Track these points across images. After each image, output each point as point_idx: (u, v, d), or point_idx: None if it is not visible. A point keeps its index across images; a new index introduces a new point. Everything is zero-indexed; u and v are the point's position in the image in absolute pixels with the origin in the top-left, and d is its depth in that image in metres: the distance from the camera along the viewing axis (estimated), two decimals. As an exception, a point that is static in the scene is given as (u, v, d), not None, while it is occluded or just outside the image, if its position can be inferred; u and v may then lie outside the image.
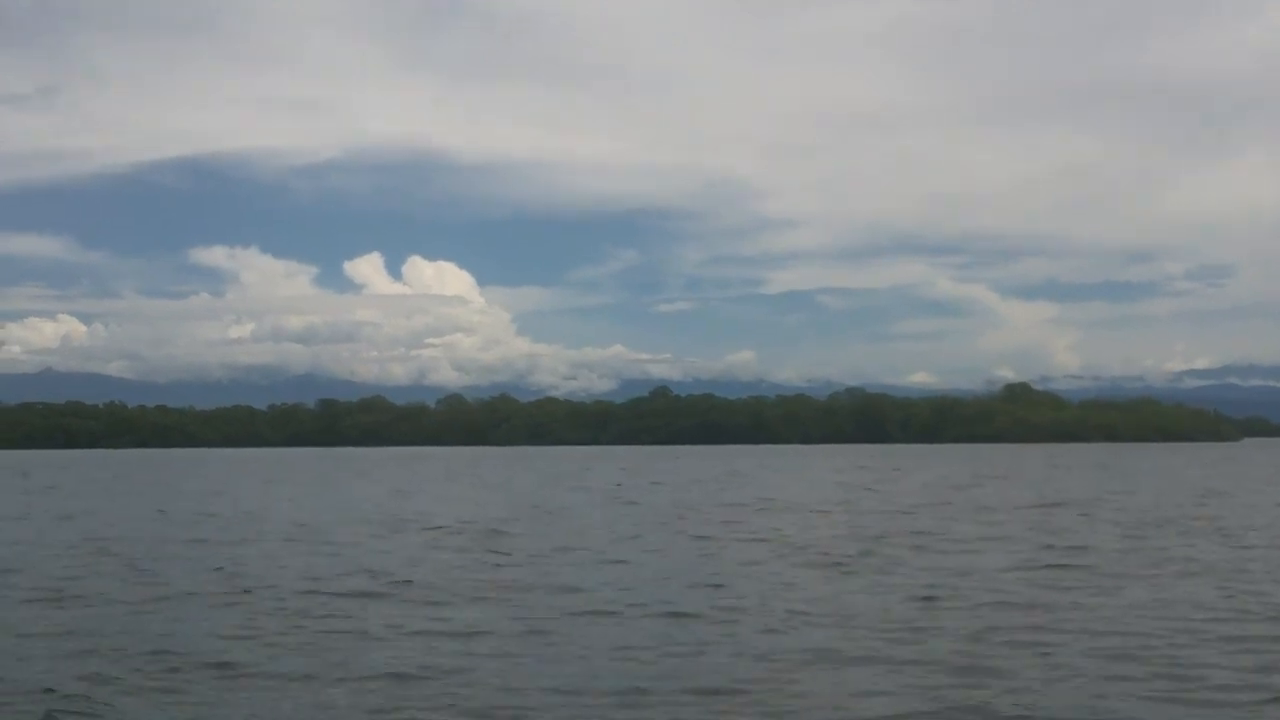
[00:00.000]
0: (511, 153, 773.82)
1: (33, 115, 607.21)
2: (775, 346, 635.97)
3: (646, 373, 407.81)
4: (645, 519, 38.26)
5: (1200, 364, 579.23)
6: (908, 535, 31.25)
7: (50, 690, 13.40)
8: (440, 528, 35.34)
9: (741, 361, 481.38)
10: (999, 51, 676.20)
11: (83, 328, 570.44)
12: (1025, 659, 14.86)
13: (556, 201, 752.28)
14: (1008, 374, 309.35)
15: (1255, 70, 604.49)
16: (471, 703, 13.01)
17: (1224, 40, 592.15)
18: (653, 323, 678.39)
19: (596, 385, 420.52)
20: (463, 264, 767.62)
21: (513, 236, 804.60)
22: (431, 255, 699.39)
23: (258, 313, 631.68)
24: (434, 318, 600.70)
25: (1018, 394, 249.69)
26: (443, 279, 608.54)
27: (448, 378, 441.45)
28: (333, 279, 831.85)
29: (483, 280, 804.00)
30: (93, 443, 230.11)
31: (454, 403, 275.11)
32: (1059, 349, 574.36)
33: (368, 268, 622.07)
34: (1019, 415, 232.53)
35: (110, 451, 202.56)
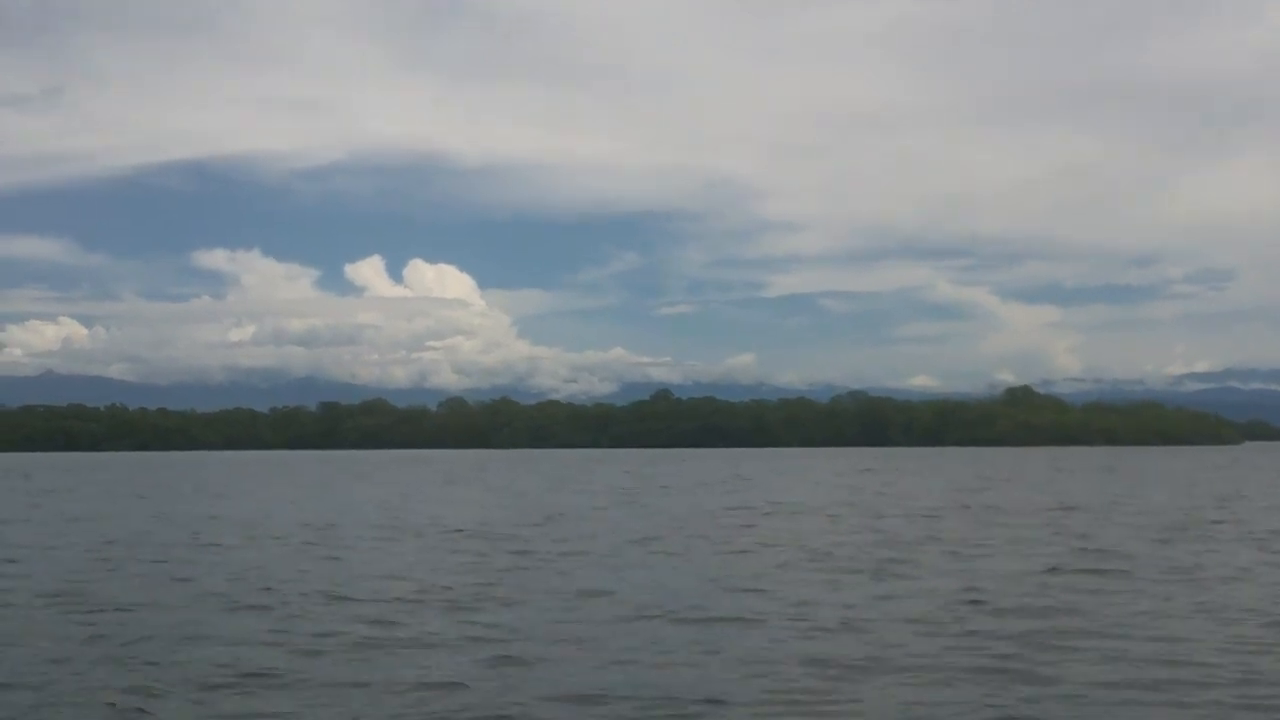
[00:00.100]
0: (512, 154, 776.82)
1: (33, 117, 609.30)
2: (776, 349, 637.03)
3: (647, 376, 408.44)
4: (661, 523, 37.93)
5: (1201, 367, 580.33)
6: (936, 539, 31.00)
7: (112, 705, 13.16)
8: (459, 531, 35.07)
9: (742, 365, 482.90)
10: (999, 52, 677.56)
11: (84, 330, 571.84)
12: (1084, 665, 14.62)
13: (557, 204, 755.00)
14: (1009, 377, 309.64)
15: (1256, 72, 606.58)
16: (541, 708, 12.78)
17: (1224, 42, 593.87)
18: (653, 326, 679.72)
19: (597, 388, 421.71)
20: (464, 267, 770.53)
21: (513, 239, 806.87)
22: (432, 258, 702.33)
23: (259, 315, 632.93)
24: (435, 320, 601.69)
25: (1020, 397, 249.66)
26: (444, 282, 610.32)
27: (448, 380, 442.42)
28: (334, 282, 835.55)
29: (484, 283, 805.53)
30: (94, 445, 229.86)
31: (455, 405, 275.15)
32: (1060, 352, 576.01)
33: (369, 270, 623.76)
34: (1021, 419, 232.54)
35: (112, 454, 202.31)
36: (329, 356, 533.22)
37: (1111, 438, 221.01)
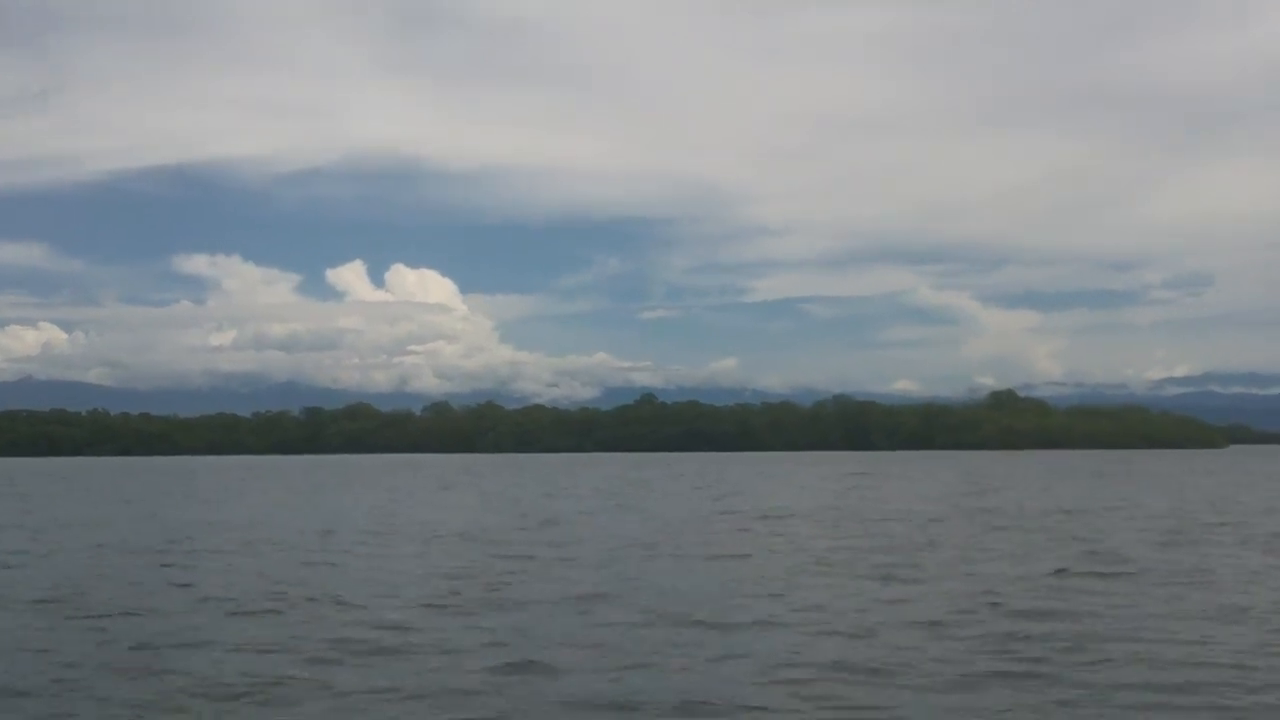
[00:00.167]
0: (495, 159, 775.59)
1: (12, 120, 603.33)
2: (758, 354, 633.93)
3: (629, 380, 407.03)
4: (662, 527, 37.65)
5: (1181, 371, 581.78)
6: (941, 544, 30.83)
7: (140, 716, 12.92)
8: (461, 535, 34.83)
9: (724, 369, 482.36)
10: (980, 59, 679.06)
11: (63, 335, 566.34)
12: (1114, 668, 14.48)
13: (540, 208, 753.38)
14: (990, 381, 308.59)
15: (1236, 79, 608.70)
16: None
17: (1205, 49, 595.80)
18: (636, 330, 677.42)
19: (579, 393, 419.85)
20: (445, 271, 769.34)
21: (496, 244, 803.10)
22: (414, 263, 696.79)
23: (240, 320, 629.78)
24: (416, 325, 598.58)
25: (1004, 401, 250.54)
26: (425, 286, 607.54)
27: (430, 385, 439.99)
28: (315, 287, 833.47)
29: (465, 288, 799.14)
30: (76, 451, 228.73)
31: (440, 410, 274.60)
32: (1041, 357, 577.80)
33: (350, 275, 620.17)
34: (1005, 423, 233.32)
35: (95, 459, 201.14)
36: (310, 361, 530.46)
37: (1095, 442, 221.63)
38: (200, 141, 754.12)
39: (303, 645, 16.52)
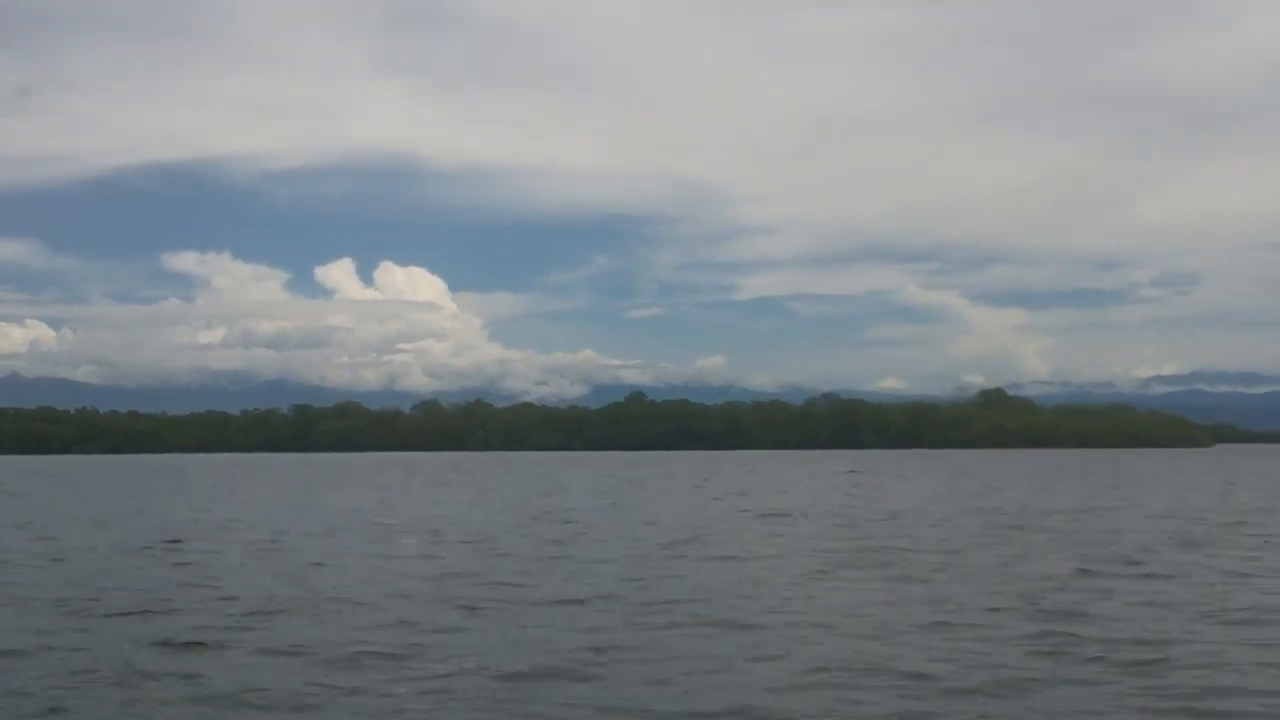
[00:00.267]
0: (484, 157, 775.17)
1: (2, 118, 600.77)
2: (746, 352, 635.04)
3: (617, 378, 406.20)
4: (666, 528, 37.33)
5: (1168, 370, 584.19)
6: (963, 544, 30.41)
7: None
8: (463, 535, 34.48)
9: (712, 367, 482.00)
10: (971, 60, 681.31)
11: (51, 333, 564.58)
12: (1184, 671, 14.25)
13: (529, 206, 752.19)
14: (978, 380, 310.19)
15: (1226, 80, 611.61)
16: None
17: (1205, 50, 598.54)
18: (624, 328, 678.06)
19: (567, 391, 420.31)
20: (434, 269, 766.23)
21: (485, 242, 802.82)
22: (403, 261, 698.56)
23: (229, 318, 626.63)
24: (405, 323, 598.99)
25: (993, 400, 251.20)
26: (414, 284, 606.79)
27: (419, 383, 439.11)
28: (304, 284, 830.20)
29: (455, 286, 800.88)
30: (64, 448, 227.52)
31: (429, 408, 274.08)
32: (1028, 355, 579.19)
33: (339, 273, 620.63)
34: (994, 421, 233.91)
35: (84, 457, 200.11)
36: (299, 359, 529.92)
37: (1083, 440, 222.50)
38: (190, 139, 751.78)
39: (321, 648, 16.10)
